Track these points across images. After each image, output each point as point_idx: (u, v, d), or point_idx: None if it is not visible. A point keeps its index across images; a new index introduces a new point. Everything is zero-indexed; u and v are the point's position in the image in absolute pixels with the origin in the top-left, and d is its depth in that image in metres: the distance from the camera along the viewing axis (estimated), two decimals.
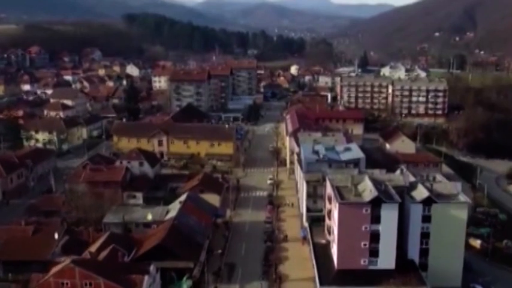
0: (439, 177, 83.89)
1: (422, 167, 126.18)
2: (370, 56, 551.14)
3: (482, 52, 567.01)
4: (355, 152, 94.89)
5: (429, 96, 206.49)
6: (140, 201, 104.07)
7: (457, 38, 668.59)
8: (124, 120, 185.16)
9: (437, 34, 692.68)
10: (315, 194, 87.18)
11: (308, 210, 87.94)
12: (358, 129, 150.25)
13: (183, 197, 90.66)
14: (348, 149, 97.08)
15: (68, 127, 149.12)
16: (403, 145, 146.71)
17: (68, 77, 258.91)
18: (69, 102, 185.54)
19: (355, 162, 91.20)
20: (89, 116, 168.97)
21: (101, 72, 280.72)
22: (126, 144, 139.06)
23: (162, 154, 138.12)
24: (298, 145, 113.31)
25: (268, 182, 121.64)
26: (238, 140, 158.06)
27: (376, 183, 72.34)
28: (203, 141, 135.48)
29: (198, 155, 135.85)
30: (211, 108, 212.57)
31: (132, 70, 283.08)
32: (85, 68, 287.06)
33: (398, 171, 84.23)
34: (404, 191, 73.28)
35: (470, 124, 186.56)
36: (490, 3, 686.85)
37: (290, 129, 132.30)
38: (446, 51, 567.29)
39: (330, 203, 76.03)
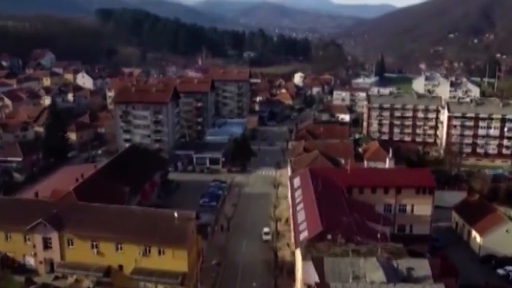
0: None
1: None
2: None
3: (504, 56, 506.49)
4: None
5: (505, 129, 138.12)
6: None
7: (475, 40, 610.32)
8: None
9: (451, 35, 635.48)
10: None
11: None
12: (424, 207, 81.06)
13: None
14: None
15: None
16: (509, 239, 79.58)
17: None
18: None
19: None
20: None
21: (46, 81, 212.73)
22: None
23: (51, 265, 71.05)
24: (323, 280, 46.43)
25: None
26: (212, 208, 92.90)
27: None
28: (129, 245, 68.01)
29: (121, 271, 68.56)
30: (182, 141, 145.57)
31: (84, 80, 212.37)
32: (23, 77, 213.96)
33: None
34: None
35: None
36: (508, 1, 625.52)
37: (303, 232, 63.84)
38: (465, 54, 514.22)
39: None
